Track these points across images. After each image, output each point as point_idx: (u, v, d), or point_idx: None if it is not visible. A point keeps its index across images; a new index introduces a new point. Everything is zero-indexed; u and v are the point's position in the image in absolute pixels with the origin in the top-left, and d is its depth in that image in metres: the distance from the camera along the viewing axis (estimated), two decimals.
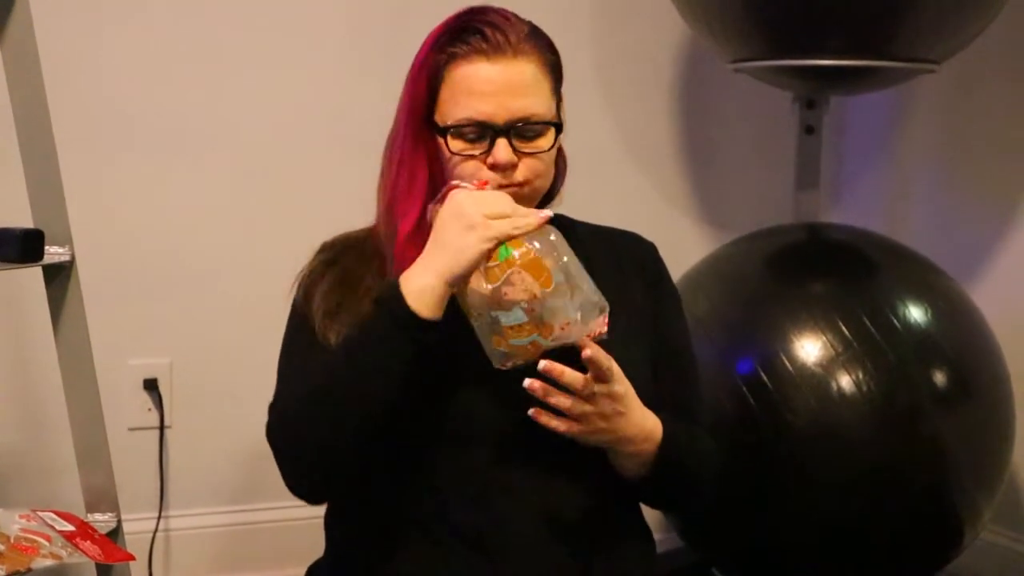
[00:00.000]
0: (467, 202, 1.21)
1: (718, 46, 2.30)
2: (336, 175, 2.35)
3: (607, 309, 1.22)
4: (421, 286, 1.21)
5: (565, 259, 1.21)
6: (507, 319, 1.19)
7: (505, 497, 1.29)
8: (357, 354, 1.24)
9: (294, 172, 2.37)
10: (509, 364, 1.21)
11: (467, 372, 1.26)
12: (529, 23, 1.33)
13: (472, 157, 1.28)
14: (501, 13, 1.31)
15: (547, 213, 1.23)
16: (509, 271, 1.19)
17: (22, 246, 1.67)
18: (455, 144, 1.28)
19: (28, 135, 1.75)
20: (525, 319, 1.19)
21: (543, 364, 1.19)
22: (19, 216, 1.78)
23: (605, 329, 1.22)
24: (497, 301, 1.20)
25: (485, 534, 1.29)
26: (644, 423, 1.28)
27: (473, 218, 1.20)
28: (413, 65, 1.33)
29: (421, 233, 1.28)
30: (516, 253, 1.20)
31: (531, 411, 1.22)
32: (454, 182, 1.26)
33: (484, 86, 1.27)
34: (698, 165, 2.76)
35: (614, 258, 1.42)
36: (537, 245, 1.21)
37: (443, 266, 1.21)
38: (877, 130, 2.85)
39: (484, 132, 1.27)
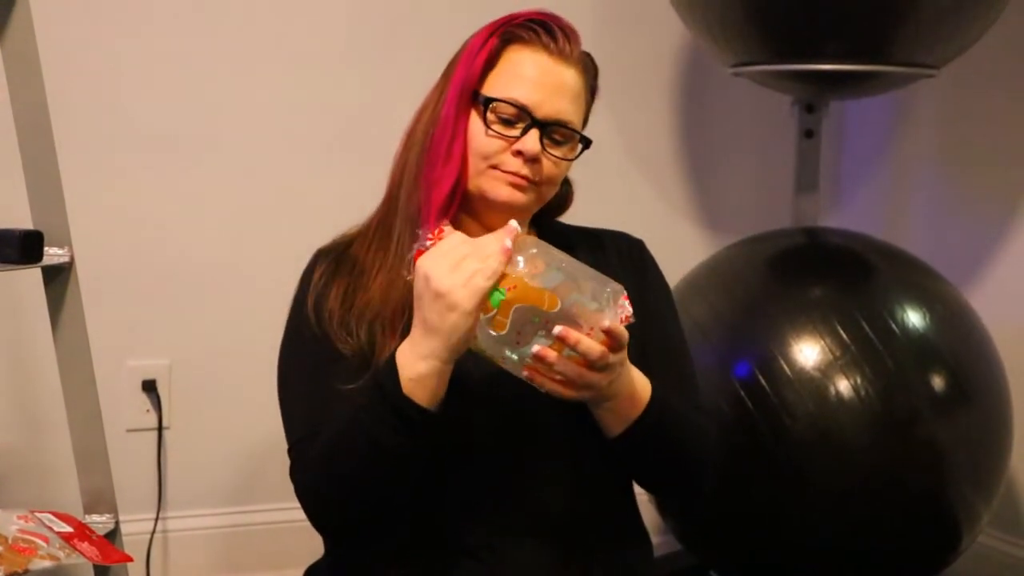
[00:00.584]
0: (437, 274, 1.15)
1: (718, 50, 2.30)
2: (335, 177, 2.35)
3: (623, 291, 1.19)
4: (419, 374, 1.18)
5: (563, 263, 1.19)
6: (532, 351, 1.16)
7: (503, 502, 1.30)
8: (359, 439, 1.21)
9: (293, 174, 2.37)
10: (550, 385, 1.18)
11: (463, 381, 1.25)
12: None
13: (502, 137, 1.30)
14: (570, 24, 1.36)
15: (507, 241, 1.17)
16: (511, 311, 1.15)
17: (22, 247, 1.67)
18: (490, 118, 1.30)
19: (28, 136, 1.75)
20: (549, 342, 1.15)
21: (558, 330, 1.14)
22: (19, 217, 1.78)
23: (631, 311, 1.19)
24: (514, 342, 1.16)
25: (483, 538, 1.29)
26: (633, 385, 1.26)
27: (451, 295, 1.15)
28: (471, 43, 1.34)
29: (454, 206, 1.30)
30: (507, 291, 1.15)
31: (525, 372, 1.18)
32: (417, 246, 1.21)
33: (539, 75, 1.30)
34: (698, 168, 2.76)
35: (601, 257, 1.43)
36: (523, 269, 1.16)
37: (438, 349, 1.17)
38: (876, 134, 2.85)
39: (522, 118, 1.29)
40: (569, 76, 1.32)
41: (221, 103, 2.31)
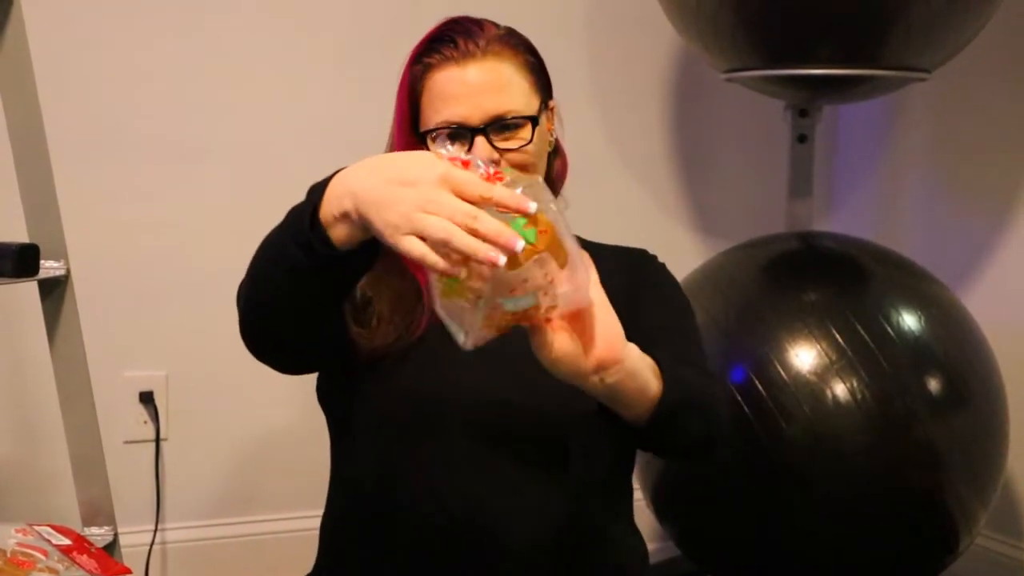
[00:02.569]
0: (425, 173, 1.02)
1: (710, 56, 2.30)
2: None
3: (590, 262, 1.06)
4: (339, 210, 1.11)
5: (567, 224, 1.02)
6: (514, 305, 1.00)
7: (496, 509, 1.29)
8: (269, 248, 1.27)
9: (291, 183, 2.35)
10: (482, 343, 1.02)
11: (452, 384, 1.27)
12: (507, 28, 1.36)
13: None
14: (475, 21, 1.34)
15: (531, 206, 0.99)
16: (533, 259, 0.98)
17: (18, 261, 1.67)
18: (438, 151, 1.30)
19: (23, 148, 1.75)
20: (533, 302, 1.01)
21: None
22: (14, 231, 1.78)
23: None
24: (510, 290, 0.99)
25: (476, 547, 1.29)
26: (643, 362, 1.16)
27: (413, 195, 1.01)
28: (400, 80, 1.36)
29: None
30: (536, 235, 0.97)
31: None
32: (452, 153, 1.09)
33: (456, 89, 1.30)
34: (692, 174, 2.77)
35: (614, 272, 1.42)
36: (554, 215, 0.99)
37: (350, 203, 1.09)
38: (870, 138, 2.86)
39: (462, 133, 1.30)
40: (486, 70, 1.30)
41: (218, 113, 2.31)
